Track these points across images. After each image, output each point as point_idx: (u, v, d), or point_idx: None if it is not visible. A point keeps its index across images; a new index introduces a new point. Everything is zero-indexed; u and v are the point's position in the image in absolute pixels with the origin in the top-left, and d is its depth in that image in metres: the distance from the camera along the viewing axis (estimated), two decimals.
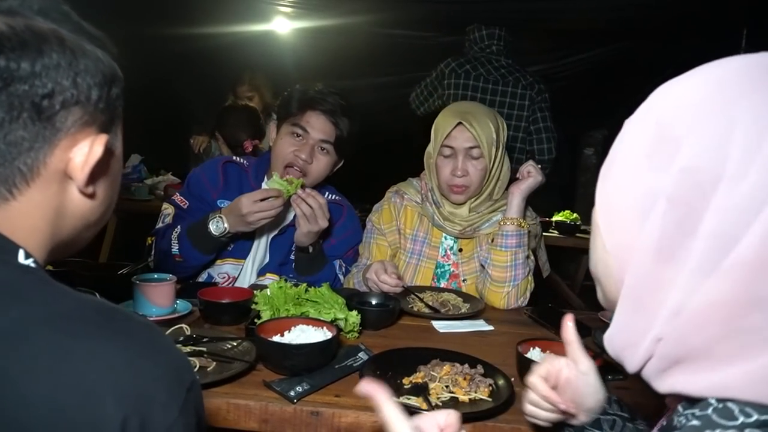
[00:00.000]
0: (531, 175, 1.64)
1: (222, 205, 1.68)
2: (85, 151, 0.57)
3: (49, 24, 0.56)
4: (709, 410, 0.48)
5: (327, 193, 1.84)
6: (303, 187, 1.63)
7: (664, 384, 0.52)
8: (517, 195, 1.64)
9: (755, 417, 0.45)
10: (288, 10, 3.47)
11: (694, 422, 0.48)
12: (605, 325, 1.47)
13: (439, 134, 1.68)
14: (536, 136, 3.14)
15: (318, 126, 1.68)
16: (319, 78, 3.68)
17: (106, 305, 0.54)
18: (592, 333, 1.41)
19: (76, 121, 0.56)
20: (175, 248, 1.62)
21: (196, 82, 3.88)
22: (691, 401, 0.52)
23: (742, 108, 0.47)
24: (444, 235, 1.77)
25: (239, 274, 1.73)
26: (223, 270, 1.72)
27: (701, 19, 3.24)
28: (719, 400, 0.48)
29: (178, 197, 1.76)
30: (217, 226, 1.58)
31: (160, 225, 1.73)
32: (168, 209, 1.75)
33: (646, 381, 0.55)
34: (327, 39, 3.63)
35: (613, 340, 0.56)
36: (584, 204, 4.32)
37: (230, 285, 1.70)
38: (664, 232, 0.49)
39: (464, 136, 1.63)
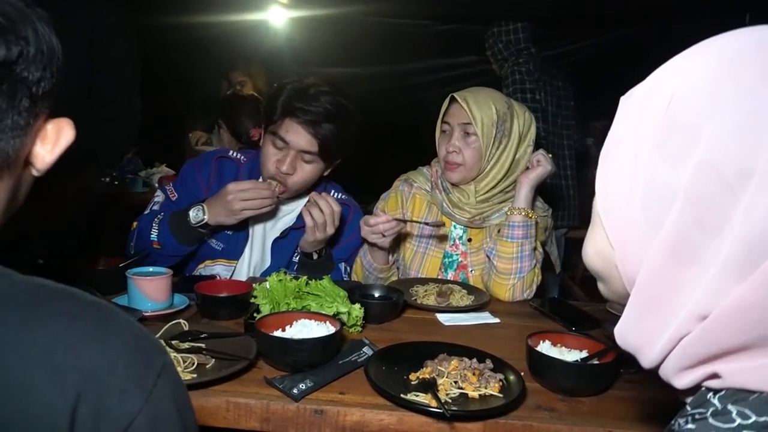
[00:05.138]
0: (540, 164, 1.59)
1: None
2: (52, 137, 0.57)
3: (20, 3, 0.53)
4: (708, 413, 0.45)
5: (333, 191, 1.78)
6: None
7: (684, 380, 0.49)
8: (525, 184, 1.59)
9: (753, 419, 0.42)
10: None
11: (690, 426, 0.45)
12: (613, 317, 1.44)
13: (440, 113, 1.69)
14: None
15: (297, 136, 1.55)
16: (315, 68, 3.64)
17: (45, 286, 0.50)
18: (601, 325, 1.38)
19: (46, 107, 0.55)
20: (154, 234, 1.56)
21: (190, 73, 3.81)
22: (698, 400, 0.49)
23: (765, 93, 0.42)
24: (453, 224, 1.73)
25: (231, 277, 1.67)
26: (214, 271, 1.67)
27: (703, 4, 3.19)
28: (722, 401, 0.45)
29: (170, 188, 1.71)
30: (195, 213, 1.53)
31: (147, 212, 1.69)
32: (159, 197, 1.71)
33: (663, 377, 0.52)
34: (323, 28, 3.56)
35: (625, 336, 0.53)
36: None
37: None
38: (680, 230, 0.45)
39: (460, 113, 1.62)
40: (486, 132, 1.59)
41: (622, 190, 0.50)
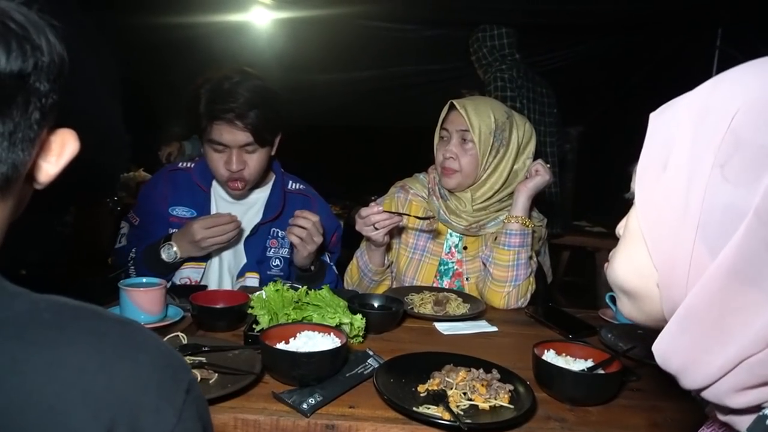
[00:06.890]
0: (539, 174, 1.60)
1: (174, 212, 1.69)
2: (56, 149, 0.54)
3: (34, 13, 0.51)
4: None
5: (290, 182, 1.82)
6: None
7: (743, 399, 0.48)
8: (523, 193, 1.60)
9: None
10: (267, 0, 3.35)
11: None
12: (608, 324, 1.46)
13: (439, 119, 1.70)
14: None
15: (231, 135, 1.57)
16: (299, 72, 3.60)
17: (68, 304, 0.48)
18: (597, 332, 1.39)
19: (51, 119, 0.53)
20: (133, 275, 1.62)
21: (168, 75, 3.72)
22: (758, 425, 0.48)
23: None
24: (449, 231, 1.73)
25: (201, 278, 1.68)
26: (183, 275, 1.67)
27: (677, 16, 3.28)
28: None
29: (131, 214, 1.76)
30: (168, 253, 1.58)
31: (117, 245, 1.74)
32: (124, 228, 1.76)
33: (711, 397, 0.51)
34: (308, 31, 3.52)
35: (668, 357, 0.51)
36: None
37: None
38: (746, 251, 0.45)
39: (458, 120, 1.63)
40: (483, 140, 1.60)
41: (672, 210, 0.50)
